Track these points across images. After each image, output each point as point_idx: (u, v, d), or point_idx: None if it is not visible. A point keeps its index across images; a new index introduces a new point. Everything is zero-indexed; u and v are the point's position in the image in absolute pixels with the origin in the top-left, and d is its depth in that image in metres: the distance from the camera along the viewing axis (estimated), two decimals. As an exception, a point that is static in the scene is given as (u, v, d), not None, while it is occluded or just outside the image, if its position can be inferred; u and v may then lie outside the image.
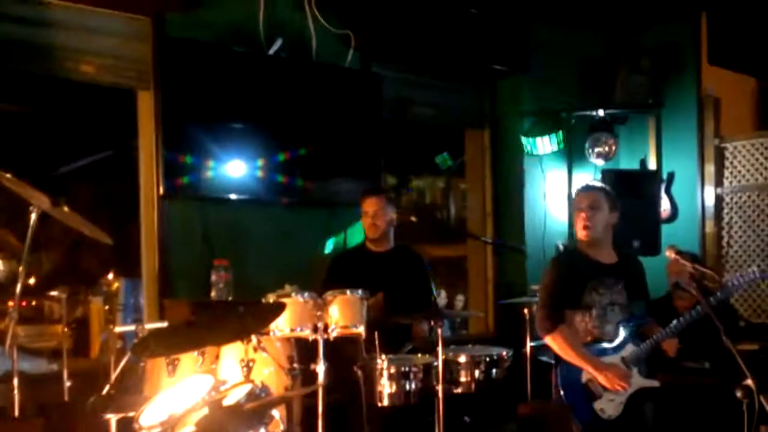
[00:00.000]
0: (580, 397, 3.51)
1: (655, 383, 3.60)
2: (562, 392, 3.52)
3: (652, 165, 6.27)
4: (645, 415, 3.63)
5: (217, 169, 4.47)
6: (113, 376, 3.09)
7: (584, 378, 3.55)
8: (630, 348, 3.63)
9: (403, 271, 4.39)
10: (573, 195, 3.90)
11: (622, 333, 3.65)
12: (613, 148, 5.86)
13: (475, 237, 5.86)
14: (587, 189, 3.87)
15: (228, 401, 2.71)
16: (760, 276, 3.53)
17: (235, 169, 4.55)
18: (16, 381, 3.08)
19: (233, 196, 4.57)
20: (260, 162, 4.65)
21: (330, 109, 4.97)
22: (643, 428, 3.62)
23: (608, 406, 3.51)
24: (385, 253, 4.42)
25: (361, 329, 3.60)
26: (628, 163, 6.33)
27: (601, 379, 3.52)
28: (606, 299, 3.68)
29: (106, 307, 4.92)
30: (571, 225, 5.66)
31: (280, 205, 4.83)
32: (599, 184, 4.20)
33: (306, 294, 3.57)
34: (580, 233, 3.74)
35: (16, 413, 3.11)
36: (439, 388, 3.66)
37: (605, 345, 3.62)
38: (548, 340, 3.59)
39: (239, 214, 4.68)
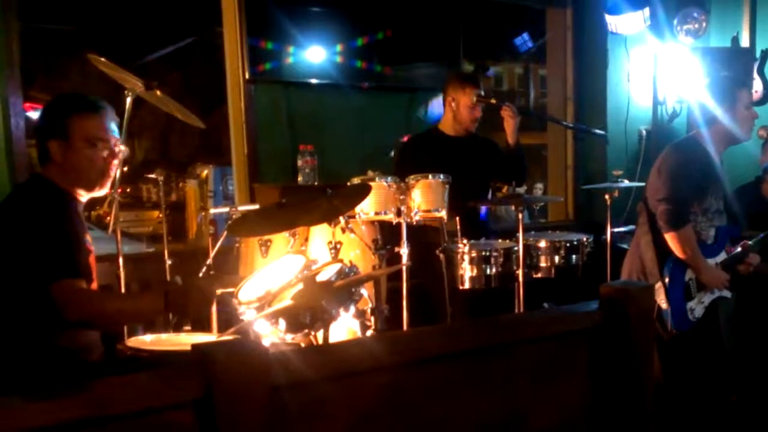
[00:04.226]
0: (680, 294, 3.46)
1: (729, 294, 3.57)
2: (666, 286, 3.44)
3: (744, 42, 5.96)
4: (719, 318, 3.58)
5: (297, 55, 4.50)
6: (211, 256, 3.25)
7: (687, 276, 3.49)
8: (723, 255, 3.57)
9: (479, 157, 4.23)
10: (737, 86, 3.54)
11: (720, 238, 3.56)
12: (704, 24, 5.56)
13: (555, 121, 5.73)
14: None
15: (320, 278, 2.82)
16: None
17: (314, 55, 4.56)
18: (121, 260, 3.22)
19: (314, 81, 4.59)
20: (339, 47, 4.63)
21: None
22: (716, 330, 3.58)
23: (697, 307, 3.49)
24: (462, 137, 4.23)
25: (443, 213, 3.62)
26: (718, 40, 6.02)
27: (705, 279, 3.46)
28: (716, 204, 3.57)
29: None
30: (655, 109, 5.53)
31: (361, 90, 4.83)
32: None
33: (389, 178, 3.59)
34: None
35: (122, 291, 3.29)
36: (520, 272, 3.65)
37: (706, 248, 3.53)
38: (671, 235, 3.42)
39: (320, 99, 4.71)
